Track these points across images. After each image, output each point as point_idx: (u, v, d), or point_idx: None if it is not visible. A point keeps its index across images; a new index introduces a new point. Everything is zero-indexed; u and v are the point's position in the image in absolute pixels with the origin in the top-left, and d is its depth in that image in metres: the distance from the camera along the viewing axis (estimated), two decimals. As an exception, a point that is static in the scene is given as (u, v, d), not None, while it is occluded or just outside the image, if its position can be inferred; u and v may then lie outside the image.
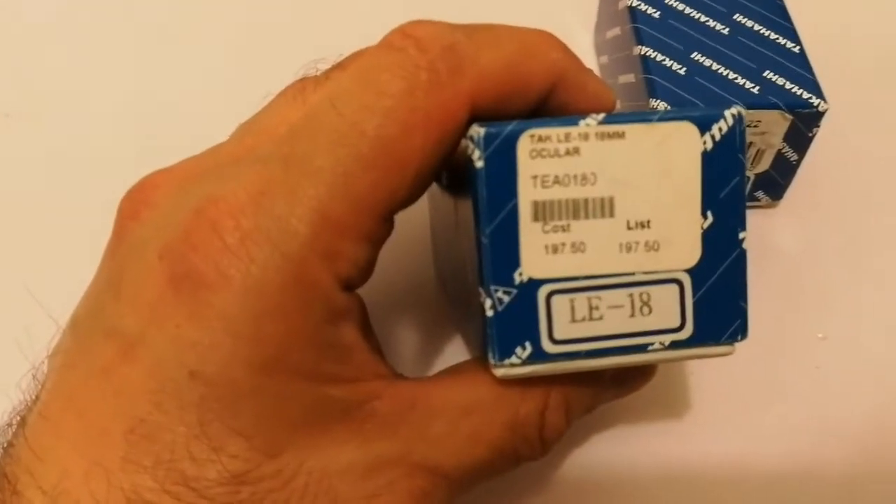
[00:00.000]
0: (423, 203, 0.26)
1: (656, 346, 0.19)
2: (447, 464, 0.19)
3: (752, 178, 0.32)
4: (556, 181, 0.18)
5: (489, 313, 0.19)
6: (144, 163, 0.21)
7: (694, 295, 0.19)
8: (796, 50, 0.31)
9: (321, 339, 0.18)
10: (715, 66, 0.30)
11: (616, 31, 0.34)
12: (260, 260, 0.17)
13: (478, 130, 0.18)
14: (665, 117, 0.18)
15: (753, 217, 0.33)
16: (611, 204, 0.19)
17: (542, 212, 0.18)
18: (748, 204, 0.33)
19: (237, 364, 0.16)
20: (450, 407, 0.19)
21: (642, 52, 0.31)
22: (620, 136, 0.18)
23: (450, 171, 0.22)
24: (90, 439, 0.17)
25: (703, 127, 0.19)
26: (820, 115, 0.29)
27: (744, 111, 0.19)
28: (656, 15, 0.32)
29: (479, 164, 0.18)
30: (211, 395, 0.16)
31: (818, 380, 0.29)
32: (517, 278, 0.19)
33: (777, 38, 0.31)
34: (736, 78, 0.30)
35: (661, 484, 0.27)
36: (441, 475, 0.19)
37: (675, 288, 0.19)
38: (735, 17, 0.32)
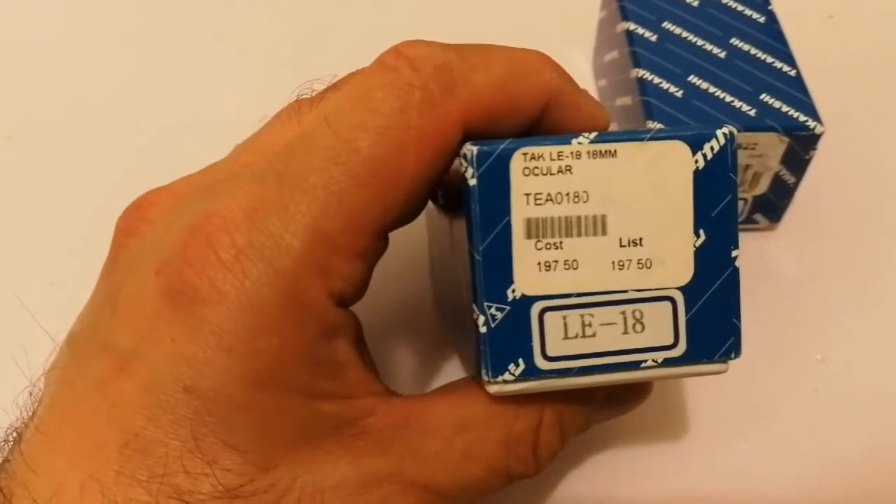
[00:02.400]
0: (421, 224, 0.26)
1: (649, 363, 0.19)
2: (441, 481, 0.19)
3: (751, 200, 0.32)
4: (549, 199, 0.18)
5: (482, 330, 0.19)
6: (143, 182, 0.21)
7: (687, 312, 0.19)
8: (792, 73, 0.31)
9: (315, 355, 0.18)
10: (711, 89, 0.30)
11: (614, 54, 0.34)
12: (254, 275, 0.17)
13: (471, 149, 0.18)
14: (657, 136, 0.19)
15: (752, 240, 0.33)
16: (603, 222, 0.19)
17: (535, 229, 0.19)
18: (747, 227, 0.33)
19: (231, 379, 0.17)
20: (443, 424, 0.19)
21: (639, 75, 0.31)
22: (612, 154, 0.19)
23: (445, 191, 0.22)
24: (85, 453, 0.17)
25: (695, 146, 0.19)
26: (816, 137, 0.30)
27: (735, 131, 0.19)
28: (653, 38, 0.32)
29: (473, 181, 0.18)
30: (205, 410, 0.16)
31: (816, 402, 0.29)
32: (510, 295, 0.19)
33: (773, 62, 0.31)
34: (732, 101, 0.30)
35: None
36: (434, 492, 0.19)
37: (667, 305, 0.19)
38: (731, 40, 0.32)
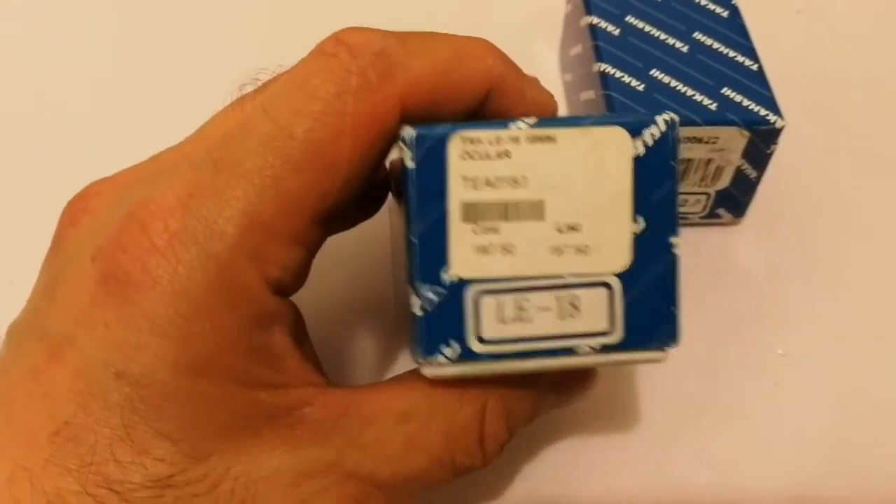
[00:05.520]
0: (384, 217, 0.26)
1: (585, 349, 0.19)
2: (381, 472, 0.19)
3: (713, 195, 0.32)
4: (487, 183, 0.18)
5: (417, 312, 0.19)
6: (91, 173, 0.21)
7: (624, 299, 0.19)
8: (755, 68, 0.31)
9: (250, 341, 0.18)
10: (673, 83, 0.30)
11: (578, 48, 0.34)
12: (187, 261, 0.17)
13: (409, 132, 0.18)
14: (597, 122, 0.19)
15: (716, 234, 0.33)
16: (541, 207, 0.19)
17: (472, 213, 0.18)
18: (711, 221, 0.33)
19: (163, 365, 0.16)
20: (385, 414, 0.19)
21: (602, 70, 0.31)
22: (552, 139, 0.18)
23: (397, 179, 0.22)
24: (16, 442, 0.16)
25: (635, 132, 0.19)
26: (777, 131, 0.30)
27: (676, 118, 0.19)
28: (616, 32, 0.32)
29: (411, 164, 0.18)
30: (136, 397, 0.16)
31: (777, 396, 0.29)
32: (445, 278, 0.19)
33: (736, 56, 0.31)
34: (694, 95, 0.30)
35: (612, 501, 0.27)
36: (375, 484, 0.19)
37: (604, 292, 0.19)
38: (695, 34, 0.32)
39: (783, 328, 0.31)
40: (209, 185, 0.17)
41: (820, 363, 0.30)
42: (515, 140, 0.18)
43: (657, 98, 0.30)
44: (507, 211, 0.18)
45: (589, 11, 0.33)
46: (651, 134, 0.19)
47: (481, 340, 0.19)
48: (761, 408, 0.29)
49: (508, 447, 0.22)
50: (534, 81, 0.22)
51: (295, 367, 0.19)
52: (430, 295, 0.19)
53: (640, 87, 0.30)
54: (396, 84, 0.18)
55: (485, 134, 0.18)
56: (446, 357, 0.19)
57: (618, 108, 0.29)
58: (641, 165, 0.19)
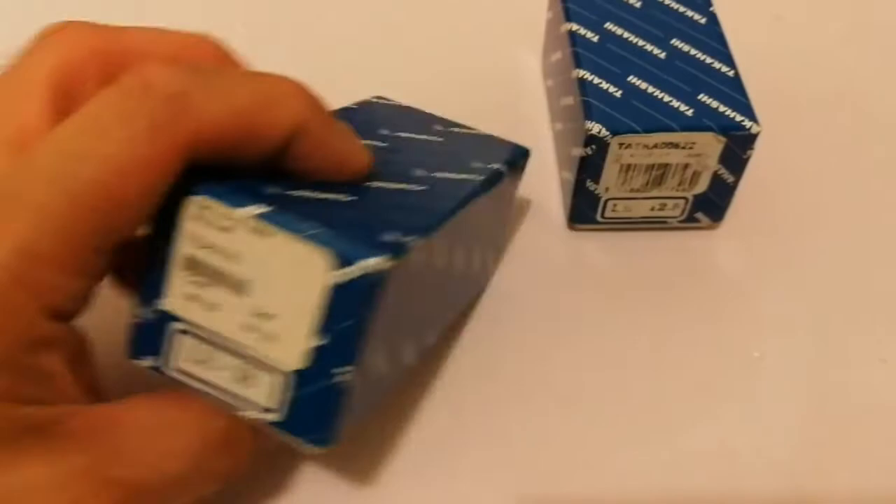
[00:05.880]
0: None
1: (250, 413, 0.21)
2: (141, 478, 0.20)
3: (691, 199, 0.32)
4: (209, 246, 0.20)
5: (134, 319, 0.21)
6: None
7: (293, 392, 0.20)
8: (731, 74, 0.31)
9: (18, 362, 0.18)
10: (650, 90, 0.31)
11: (558, 54, 0.35)
12: None
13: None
14: (313, 237, 0.19)
15: (694, 238, 0.34)
16: (245, 287, 0.20)
17: (191, 265, 0.20)
18: (689, 225, 0.34)
19: None
20: (144, 424, 0.20)
21: (580, 76, 0.31)
22: (272, 235, 0.19)
23: None
24: None
25: (346, 261, 0.19)
26: (753, 137, 0.30)
27: (392, 266, 0.19)
28: (595, 39, 0.33)
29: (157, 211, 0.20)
30: None
31: (752, 399, 0.30)
32: (157, 305, 0.21)
33: (713, 63, 0.32)
34: (671, 101, 0.30)
35: (589, 501, 0.27)
36: (135, 489, 0.20)
37: (279, 377, 0.20)
38: (672, 41, 0.33)
39: (759, 331, 0.31)
40: None
41: (795, 366, 0.30)
42: (241, 222, 0.20)
43: (634, 104, 0.30)
44: (217, 277, 0.20)
45: (568, 18, 0.33)
46: (361, 268, 0.19)
47: (171, 367, 0.21)
48: (736, 410, 0.29)
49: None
50: (342, 132, 0.22)
51: (65, 386, 0.20)
52: (146, 313, 0.21)
53: (618, 94, 0.31)
54: (186, 128, 0.19)
55: (218, 206, 0.20)
56: (145, 364, 0.21)
57: (595, 115, 0.30)
58: (339, 292, 0.19)
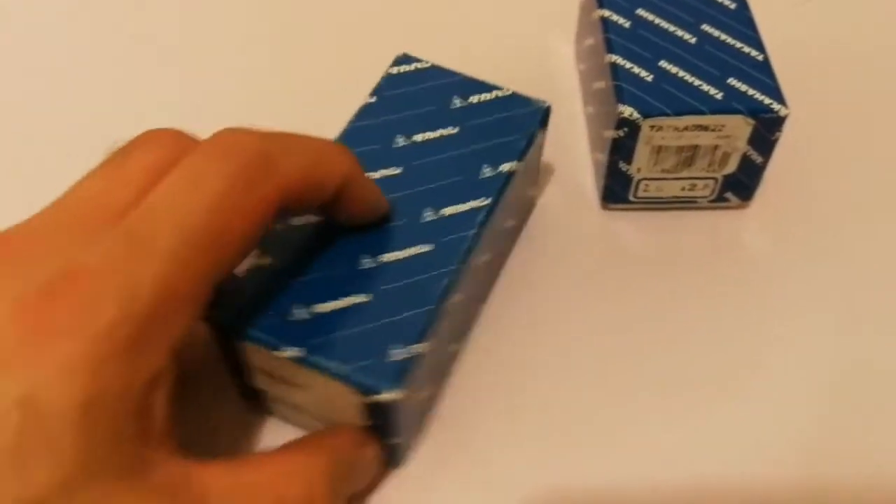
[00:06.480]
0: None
1: None
2: None
3: (721, 179, 0.33)
4: (269, 372, 0.26)
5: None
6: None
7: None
8: (760, 58, 0.32)
9: (142, 400, 0.20)
10: (681, 74, 0.32)
11: (591, 40, 0.36)
12: (108, 318, 0.19)
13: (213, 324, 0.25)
14: (339, 376, 0.24)
15: (724, 218, 0.35)
16: (304, 404, 0.27)
17: (264, 373, 0.26)
18: (719, 205, 0.35)
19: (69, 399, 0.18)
20: (221, 488, 0.21)
21: (612, 61, 0.32)
22: (308, 369, 0.24)
23: None
24: None
25: (367, 393, 0.24)
26: (781, 119, 0.31)
27: (398, 397, 0.24)
28: (627, 25, 0.34)
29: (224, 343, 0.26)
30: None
31: (779, 377, 0.31)
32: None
33: (742, 47, 0.33)
34: (701, 85, 0.31)
35: (616, 486, 0.29)
36: None
37: None
38: (702, 26, 0.34)
39: (786, 309, 0.32)
40: (124, 256, 0.19)
41: (821, 345, 0.31)
42: (283, 359, 0.24)
43: (665, 88, 0.31)
44: (283, 395, 0.27)
45: (601, 5, 0.35)
46: (383, 398, 0.24)
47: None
48: (763, 389, 0.30)
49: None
50: (371, 185, 0.26)
51: (161, 426, 0.21)
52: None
53: (649, 78, 0.32)
54: (274, 182, 0.22)
55: (261, 349, 0.24)
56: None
57: (627, 99, 0.31)
58: (371, 405, 0.24)
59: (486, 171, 0.28)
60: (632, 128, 0.31)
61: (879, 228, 0.35)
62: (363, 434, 0.26)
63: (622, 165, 0.33)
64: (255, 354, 0.25)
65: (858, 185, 0.36)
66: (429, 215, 0.27)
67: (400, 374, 0.24)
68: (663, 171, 0.33)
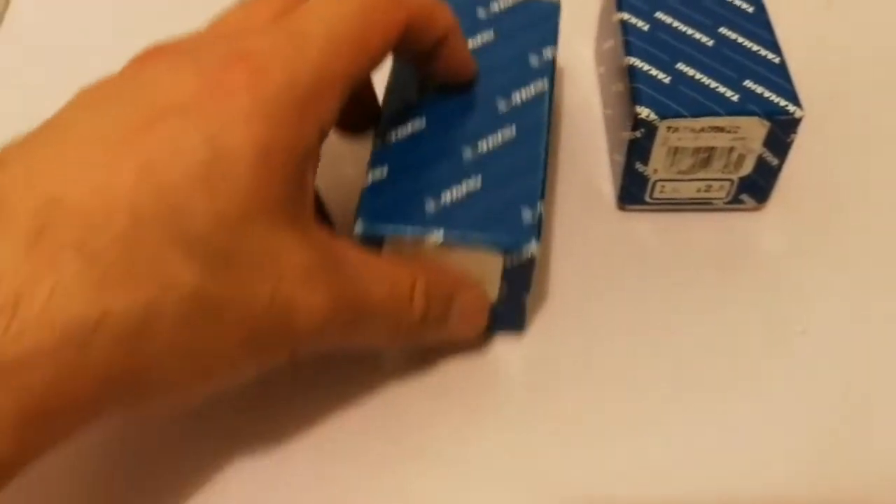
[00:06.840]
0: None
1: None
2: (370, 292, 0.25)
3: (737, 181, 0.34)
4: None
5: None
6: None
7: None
8: (776, 61, 0.33)
9: (301, 163, 0.23)
10: (698, 76, 0.32)
11: (610, 42, 0.36)
12: (278, 82, 0.22)
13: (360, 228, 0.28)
14: (482, 246, 0.27)
15: (739, 219, 0.35)
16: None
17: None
18: (735, 207, 0.35)
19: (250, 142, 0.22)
20: (354, 258, 0.25)
21: (630, 63, 0.33)
22: (453, 250, 0.28)
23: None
24: None
25: (508, 252, 0.27)
26: (796, 121, 0.31)
27: (536, 252, 0.27)
28: (645, 28, 0.34)
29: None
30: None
31: (796, 376, 0.31)
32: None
33: (759, 50, 0.33)
34: (717, 87, 0.32)
35: (626, 480, 0.29)
36: (358, 304, 0.25)
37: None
38: (720, 29, 0.34)
39: (802, 309, 0.33)
40: (286, 43, 0.23)
41: (838, 344, 0.32)
42: (428, 246, 0.28)
43: (682, 91, 0.32)
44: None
45: (620, 8, 0.35)
46: (521, 255, 0.27)
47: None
48: (780, 387, 0.30)
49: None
50: (465, 42, 0.30)
51: (311, 201, 0.24)
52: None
53: (667, 80, 0.32)
54: (403, 9, 0.26)
55: (406, 238, 0.27)
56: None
57: (645, 100, 0.31)
58: (509, 269, 0.28)
59: (534, 61, 0.32)
60: (649, 129, 0.32)
61: (893, 229, 0.35)
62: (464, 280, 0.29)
63: (639, 166, 0.33)
64: (401, 249, 0.28)
65: (874, 187, 0.36)
66: (502, 105, 0.31)
67: (535, 229, 0.27)
68: (679, 172, 0.33)
